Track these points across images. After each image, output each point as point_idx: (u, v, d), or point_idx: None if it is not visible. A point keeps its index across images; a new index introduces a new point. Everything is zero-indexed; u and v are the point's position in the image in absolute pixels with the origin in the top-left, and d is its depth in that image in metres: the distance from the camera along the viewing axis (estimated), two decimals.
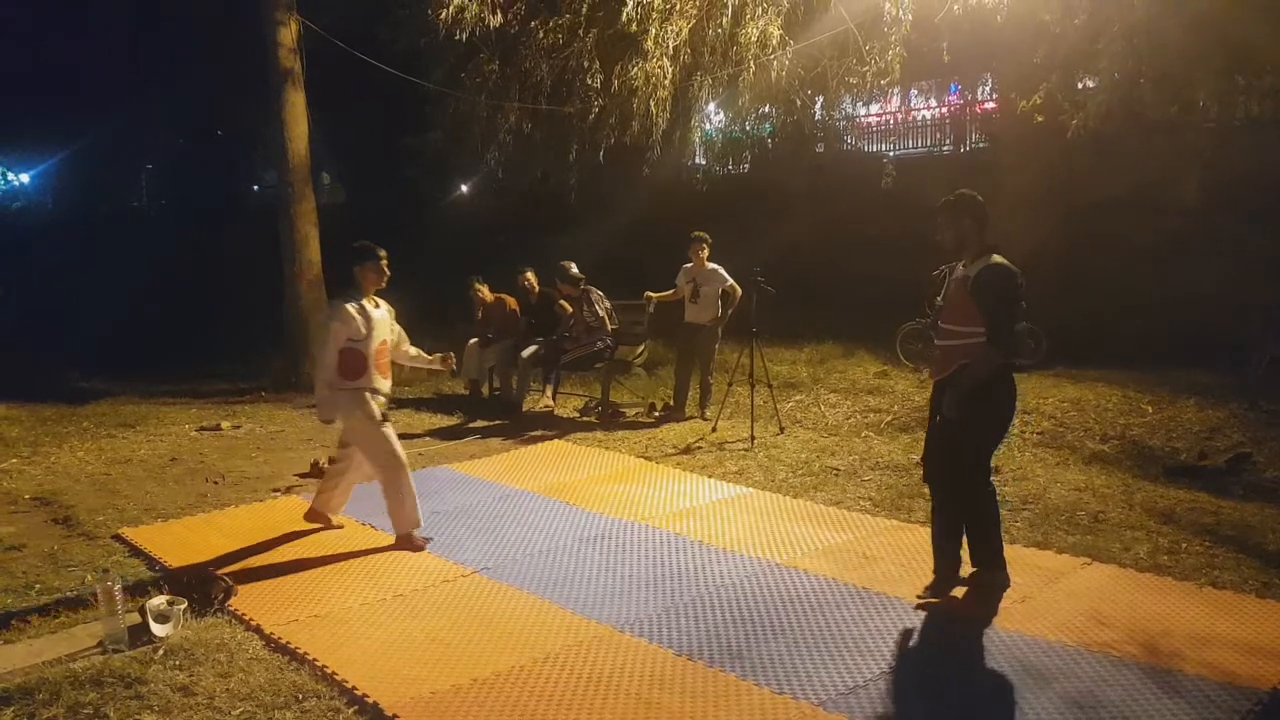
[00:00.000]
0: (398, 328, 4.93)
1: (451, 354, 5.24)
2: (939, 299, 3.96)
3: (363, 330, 4.59)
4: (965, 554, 3.99)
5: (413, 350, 5.06)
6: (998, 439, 3.95)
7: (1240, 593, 3.93)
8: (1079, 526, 4.80)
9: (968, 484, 3.90)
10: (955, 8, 7.85)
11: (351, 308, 4.60)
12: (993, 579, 3.94)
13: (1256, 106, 9.35)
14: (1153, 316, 9.29)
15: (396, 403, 8.90)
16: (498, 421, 7.89)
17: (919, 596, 3.92)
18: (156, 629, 3.68)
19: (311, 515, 5.03)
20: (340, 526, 5.05)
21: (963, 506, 3.93)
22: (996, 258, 3.78)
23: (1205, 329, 8.59)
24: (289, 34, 9.66)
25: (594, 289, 8.19)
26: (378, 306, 4.75)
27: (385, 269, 4.71)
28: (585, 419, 7.99)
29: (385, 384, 4.74)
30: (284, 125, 9.73)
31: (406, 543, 4.73)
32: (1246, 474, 5.68)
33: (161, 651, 3.57)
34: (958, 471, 3.89)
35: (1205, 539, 4.56)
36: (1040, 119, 8.97)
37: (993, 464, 5.84)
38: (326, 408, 4.72)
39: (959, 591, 3.96)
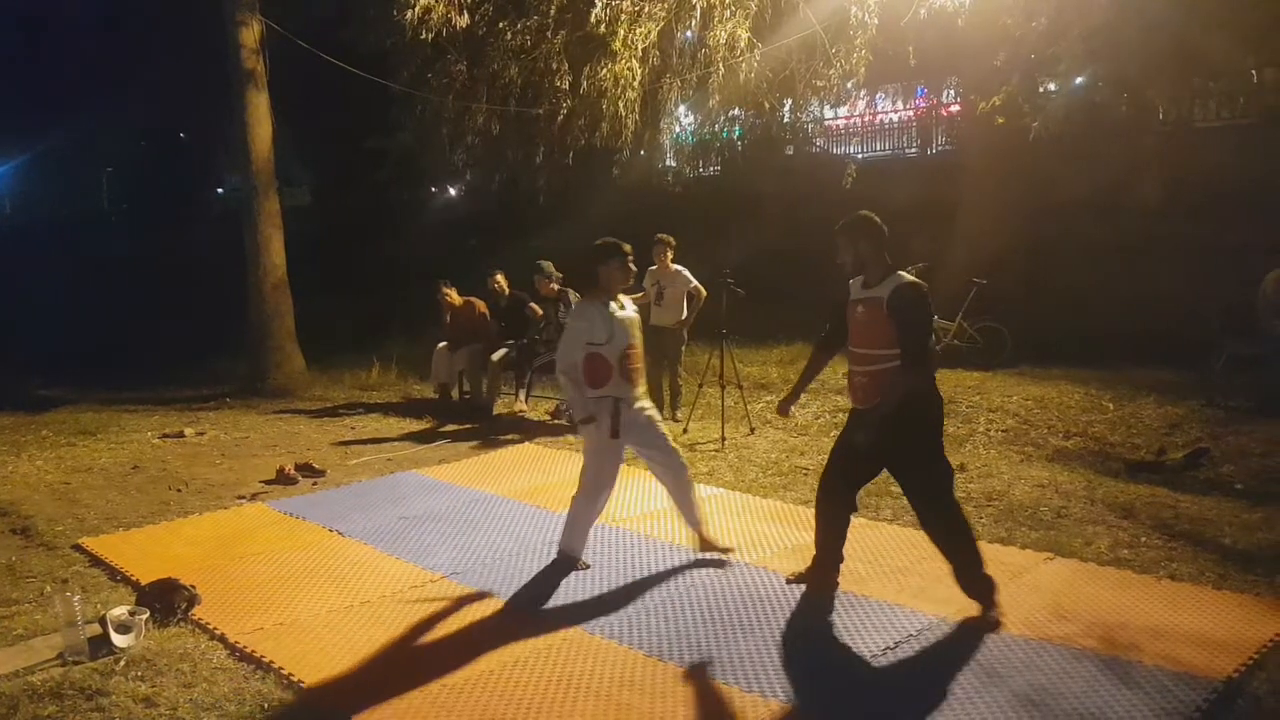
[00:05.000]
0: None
1: None
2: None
3: (604, 334, 4.24)
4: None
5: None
6: (940, 436, 3.86)
7: (1198, 584, 4.02)
8: (1042, 522, 4.88)
9: (944, 495, 3.79)
10: (920, 11, 7.96)
11: (593, 309, 4.28)
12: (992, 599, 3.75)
13: (1213, 109, 9.60)
14: (1114, 315, 9.47)
15: (364, 408, 8.84)
16: (467, 425, 7.84)
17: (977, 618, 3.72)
18: (118, 640, 3.61)
19: (705, 546, 4.56)
20: (730, 549, 4.56)
21: (946, 520, 3.78)
22: (907, 275, 3.69)
23: (1165, 327, 8.76)
24: (251, 35, 9.53)
25: (571, 290, 8.17)
26: (624, 308, 4.39)
27: (631, 266, 4.37)
28: (556, 422, 7.97)
29: (633, 390, 4.37)
30: (247, 127, 9.60)
31: (566, 560, 4.46)
32: (1204, 469, 5.80)
33: (123, 662, 3.51)
34: (931, 487, 3.78)
35: (1164, 533, 4.66)
36: (1000, 120, 9.13)
37: (957, 462, 5.97)
38: (579, 407, 4.33)
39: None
